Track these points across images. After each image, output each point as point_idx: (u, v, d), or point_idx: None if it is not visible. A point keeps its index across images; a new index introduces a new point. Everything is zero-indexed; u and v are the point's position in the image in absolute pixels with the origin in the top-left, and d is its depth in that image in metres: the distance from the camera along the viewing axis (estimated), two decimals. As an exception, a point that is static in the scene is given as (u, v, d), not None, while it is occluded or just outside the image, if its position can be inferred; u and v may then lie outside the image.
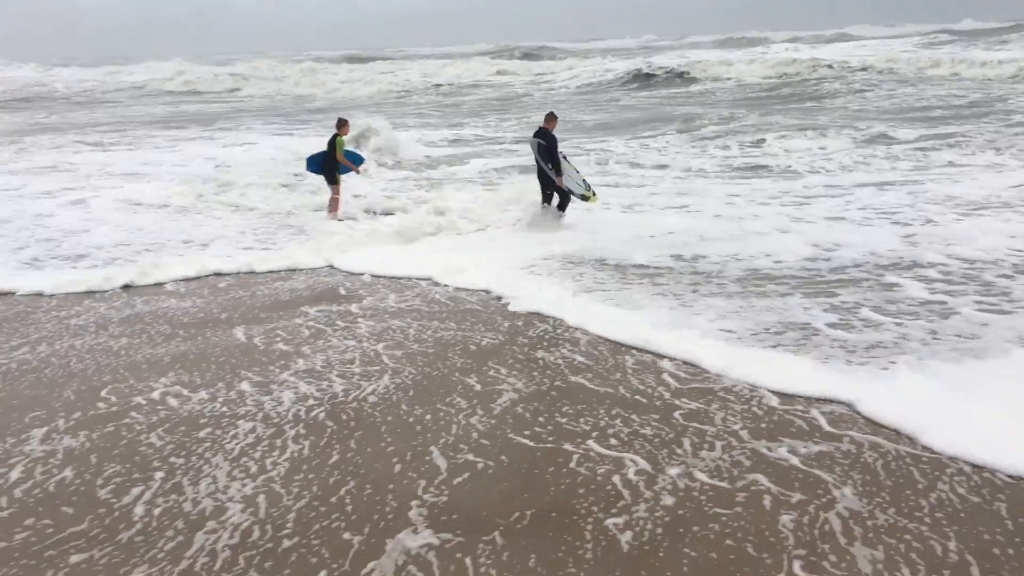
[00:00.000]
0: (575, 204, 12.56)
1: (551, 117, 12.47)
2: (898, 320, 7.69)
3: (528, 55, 75.63)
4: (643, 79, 44.47)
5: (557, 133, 12.43)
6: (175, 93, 54.15)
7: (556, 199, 12.47)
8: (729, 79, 40.75)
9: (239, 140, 25.76)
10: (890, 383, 6.09)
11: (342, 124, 13.60)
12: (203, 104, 45.04)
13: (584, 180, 12.72)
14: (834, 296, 8.53)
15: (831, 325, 7.60)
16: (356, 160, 14.25)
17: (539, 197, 12.60)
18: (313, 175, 14.33)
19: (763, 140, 20.72)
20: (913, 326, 7.50)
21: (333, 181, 13.61)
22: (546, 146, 12.01)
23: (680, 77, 43.00)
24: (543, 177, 12.36)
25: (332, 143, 13.41)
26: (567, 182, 12.23)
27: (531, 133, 12.71)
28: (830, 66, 39.85)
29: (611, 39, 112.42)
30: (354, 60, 79.90)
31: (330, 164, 13.49)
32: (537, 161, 12.26)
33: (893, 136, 20.77)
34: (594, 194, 12.59)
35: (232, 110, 40.17)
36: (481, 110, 36.08)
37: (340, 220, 13.30)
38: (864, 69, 39.37)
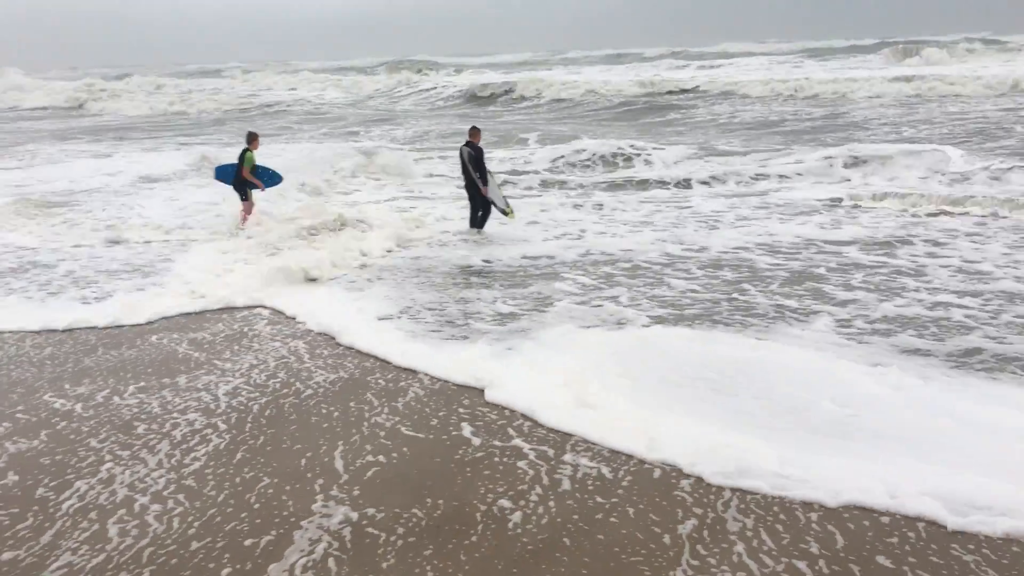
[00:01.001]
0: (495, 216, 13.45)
1: (475, 131, 13.24)
2: (541, 307, 9.14)
3: (420, 69, 76.56)
4: (508, 95, 45.82)
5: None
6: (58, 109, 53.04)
7: (479, 214, 13.30)
8: (578, 99, 42.51)
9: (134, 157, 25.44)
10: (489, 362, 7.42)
11: (252, 138, 13.43)
12: (92, 119, 44.61)
13: (505, 197, 13.66)
14: (524, 287, 10.03)
15: (494, 316, 9.02)
16: (274, 178, 13.98)
17: (469, 213, 13.40)
18: (224, 185, 14.12)
19: (622, 154, 21.60)
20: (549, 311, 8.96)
21: (244, 197, 13.47)
22: (475, 156, 12.84)
23: (538, 94, 44.64)
24: (471, 188, 13.13)
25: (241, 157, 13.25)
26: (491, 193, 13.07)
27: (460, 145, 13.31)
28: (694, 88, 41.90)
29: (503, 54, 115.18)
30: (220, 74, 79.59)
31: (240, 179, 13.36)
32: (464, 172, 13.02)
33: (738, 149, 22.55)
34: (512, 211, 13.46)
35: (119, 125, 40.06)
36: (367, 121, 36.77)
37: (247, 235, 12.90)
38: (724, 86, 41.73)
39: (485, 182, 12.96)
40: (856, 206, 14.70)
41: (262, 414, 6.54)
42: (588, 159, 21.44)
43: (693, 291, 9.67)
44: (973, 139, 22.43)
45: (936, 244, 11.73)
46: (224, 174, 13.80)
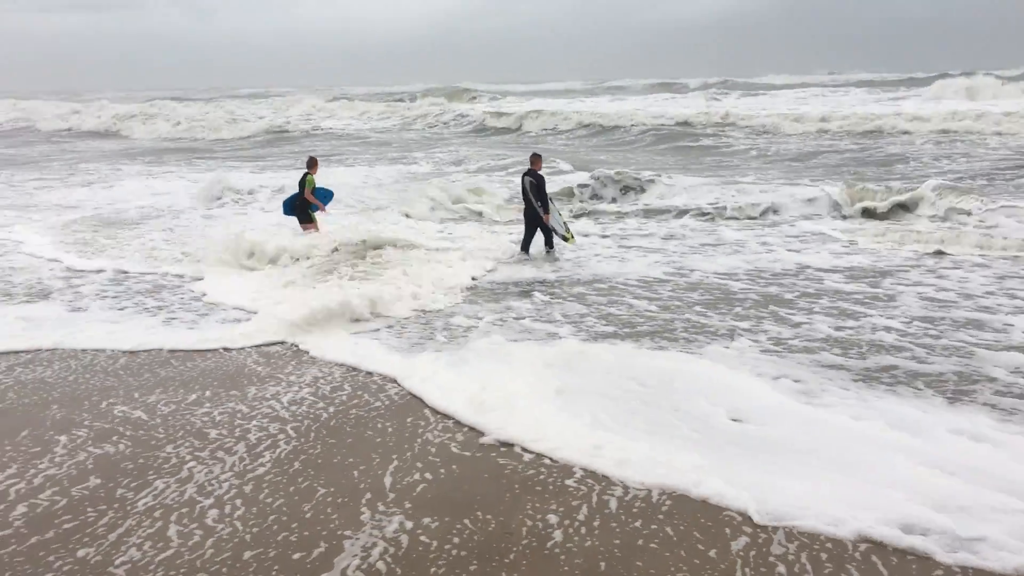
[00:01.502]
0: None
1: (536, 158, 13.78)
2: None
3: (473, 96, 77.90)
4: (544, 122, 46.40)
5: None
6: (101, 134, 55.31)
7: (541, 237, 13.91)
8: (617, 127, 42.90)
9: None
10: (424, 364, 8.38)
11: (312, 163, 14.29)
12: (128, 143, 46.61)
13: (565, 223, 14.50)
14: (497, 302, 10.95)
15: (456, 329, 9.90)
16: (327, 196, 14.75)
17: (522, 237, 13.99)
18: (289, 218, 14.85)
19: (655, 182, 21.63)
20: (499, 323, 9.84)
21: (305, 220, 14.22)
22: (536, 185, 13.46)
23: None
24: (530, 215, 13.72)
25: (302, 182, 14.11)
26: (552, 221, 13.76)
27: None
28: (726, 118, 41.89)
29: (550, 82, 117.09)
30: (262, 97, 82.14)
31: (301, 204, 14.25)
32: (526, 199, 13.60)
33: (771, 180, 22.84)
34: (572, 236, 14.30)
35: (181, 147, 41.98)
36: (415, 146, 38.24)
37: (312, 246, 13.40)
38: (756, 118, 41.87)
39: (547, 210, 13.53)
40: (872, 238, 15.10)
41: (327, 424, 7.10)
42: (621, 186, 21.55)
43: (650, 311, 10.43)
44: (1006, 173, 22.58)
45: (930, 273, 12.29)
46: (287, 206, 14.56)
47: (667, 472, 5.94)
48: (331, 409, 7.43)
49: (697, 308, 10.53)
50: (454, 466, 6.27)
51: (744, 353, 8.50)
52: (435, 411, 7.29)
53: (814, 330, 9.41)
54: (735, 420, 6.84)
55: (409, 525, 5.41)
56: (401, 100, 70.10)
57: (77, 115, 60.82)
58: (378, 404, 7.54)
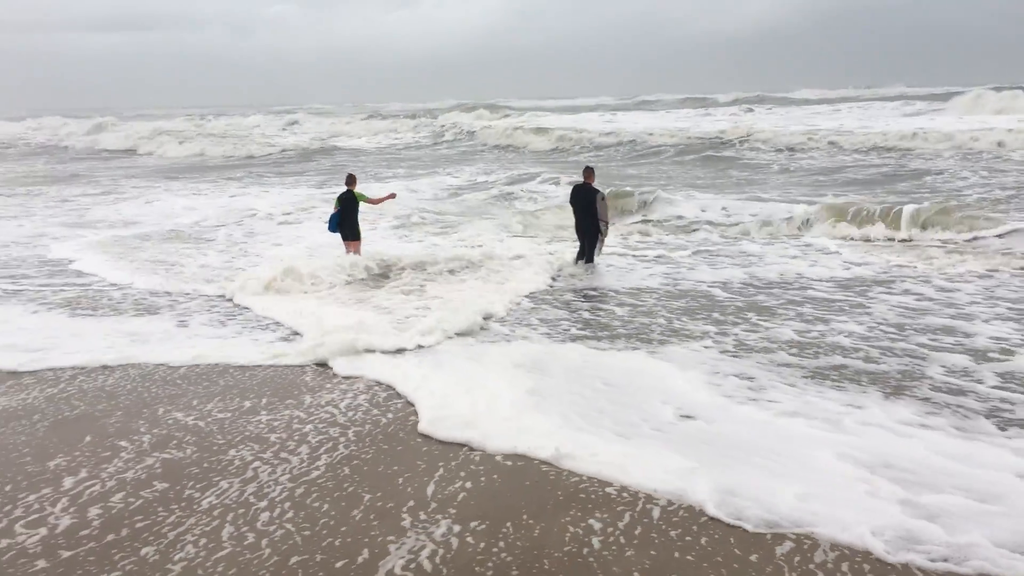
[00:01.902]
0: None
1: (590, 171, 14.01)
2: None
3: (506, 113, 78.79)
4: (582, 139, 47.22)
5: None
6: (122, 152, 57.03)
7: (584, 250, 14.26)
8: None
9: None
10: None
11: (351, 180, 14.63)
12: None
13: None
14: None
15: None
16: (334, 220, 14.69)
17: (577, 251, 14.40)
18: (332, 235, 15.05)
19: (681, 200, 21.89)
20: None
21: (352, 237, 14.50)
22: (604, 202, 13.81)
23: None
24: (585, 227, 14.02)
25: (351, 200, 14.32)
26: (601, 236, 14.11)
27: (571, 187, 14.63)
28: (755, 137, 42.02)
29: (582, 97, 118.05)
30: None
31: (346, 220, 14.43)
32: (585, 212, 13.86)
33: (796, 195, 23.28)
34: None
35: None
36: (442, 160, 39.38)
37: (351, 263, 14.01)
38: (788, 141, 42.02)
39: (607, 226, 14.06)
40: (879, 251, 15.50)
41: (385, 430, 7.43)
42: (647, 202, 21.80)
43: (628, 317, 11.09)
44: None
45: (924, 283, 12.69)
46: (334, 224, 14.62)
47: (665, 477, 6.17)
48: (388, 417, 7.77)
49: (676, 314, 11.14)
50: (486, 478, 6.43)
51: (702, 353, 9.15)
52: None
53: (779, 334, 10.00)
54: (686, 416, 7.39)
55: (456, 529, 5.67)
56: (435, 117, 71.33)
57: (118, 133, 62.99)
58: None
